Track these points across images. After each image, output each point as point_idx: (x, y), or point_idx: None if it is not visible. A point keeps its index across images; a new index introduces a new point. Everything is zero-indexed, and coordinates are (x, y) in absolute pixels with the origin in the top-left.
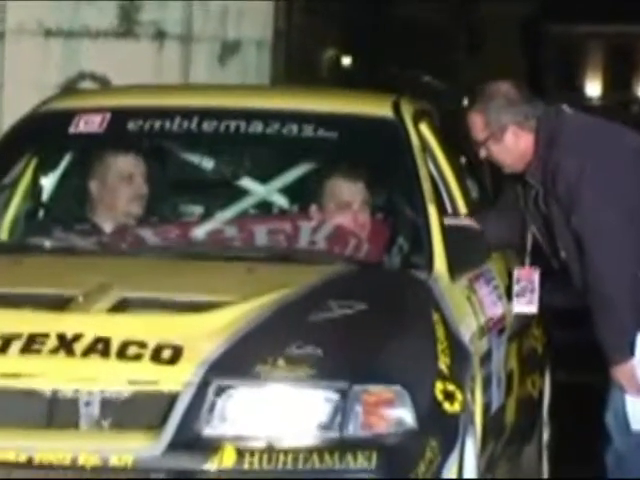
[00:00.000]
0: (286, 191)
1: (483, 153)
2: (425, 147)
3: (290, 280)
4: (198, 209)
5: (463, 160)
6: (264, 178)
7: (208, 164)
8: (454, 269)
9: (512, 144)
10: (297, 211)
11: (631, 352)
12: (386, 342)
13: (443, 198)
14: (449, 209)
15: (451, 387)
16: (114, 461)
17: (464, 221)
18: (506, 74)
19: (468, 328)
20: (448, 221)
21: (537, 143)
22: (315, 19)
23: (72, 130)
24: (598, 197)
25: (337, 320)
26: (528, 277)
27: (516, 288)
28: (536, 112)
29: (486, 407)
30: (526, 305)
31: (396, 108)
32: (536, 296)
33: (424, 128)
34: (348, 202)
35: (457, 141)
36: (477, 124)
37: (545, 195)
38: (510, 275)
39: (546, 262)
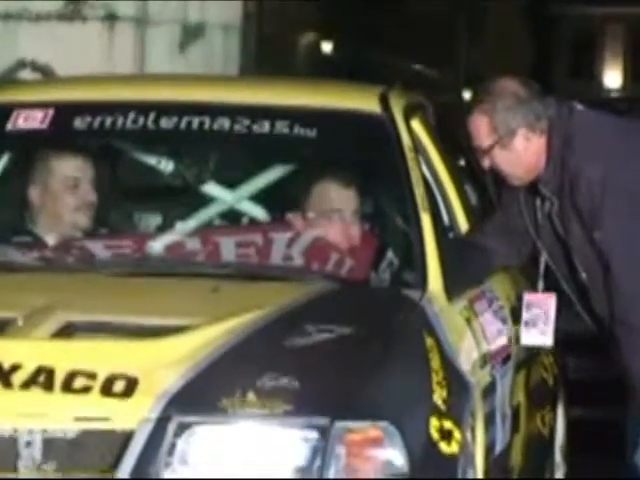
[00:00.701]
0: (257, 198)
1: (487, 163)
2: (418, 147)
3: (262, 301)
4: (155, 219)
5: (462, 162)
6: (232, 183)
7: (167, 167)
8: (451, 288)
9: (522, 150)
10: (270, 221)
11: None
12: (373, 372)
13: (439, 206)
14: (445, 219)
15: (448, 424)
16: None
17: (463, 232)
18: (509, 62)
19: (468, 356)
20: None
21: (550, 147)
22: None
23: (9, 127)
24: (626, 209)
25: (316, 347)
26: (542, 304)
27: (526, 316)
28: (548, 111)
29: (489, 447)
30: (538, 336)
31: (384, 102)
32: (551, 327)
33: (417, 125)
34: (338, 211)
35: (455, 140)
36: (482, 128)
37: (561, 207)
38: (519, 298)
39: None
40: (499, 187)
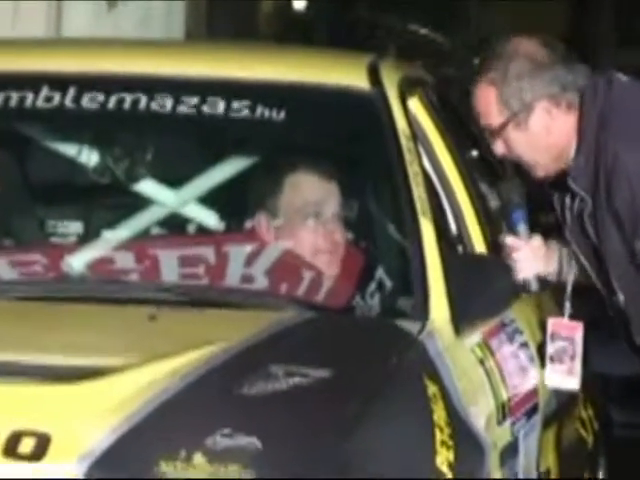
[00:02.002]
0: (208, 200)
1: (500, 148)
2: (417, 134)
3: (213, 334)
4: (75, 227)
5: (475, 153)
6: (175, 180)
7: (90, 159)
8: (460, 318)
9: (542, 129)
10: (224, 230)
11: None
12: (357, 430)
13: (444, 210)
14: (453, 227)
15: None
16: None
17: (476, 246)
18: (537, 25)
19: (482, 408)
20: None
21: (581, 129)
22: None
23: None
24: None
25: (284, 395)
26: (568, 333)
27: (550, 349)
28: (578, 81)
29: None
30: (564, 376)
31: (374, 75)
32: (578, 365)
33: (415, 105)
34: (314, 214)
35: (466, 124)
36: (490, 102)
37: (595, 208)
38: (542, 327)
39: (595, 307)
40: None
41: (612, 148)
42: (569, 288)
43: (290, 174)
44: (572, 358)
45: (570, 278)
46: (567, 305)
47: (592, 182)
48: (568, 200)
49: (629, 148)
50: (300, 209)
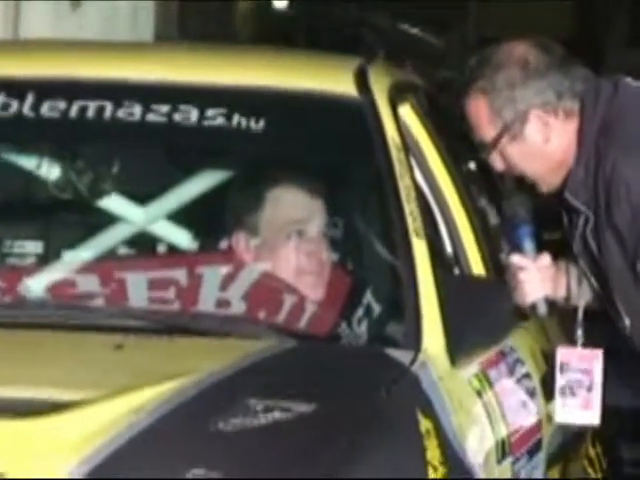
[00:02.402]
0: (180, 217)
1: (499, 164)
2: (409, 144)
3: (185, 364)
4: (34, 246)
5: (473, 166)
6: (144, 196)
7: (50, 172)
8: (456, 347)
9: (540, 140)
10: (198, 250)
11: None
12: (343, 469)
13: (438, 227)
14: (448, 246)
15: None
16: None
17: (474, 268)
18: (541, 26)
19: (480, 444)
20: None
21: (581, 138)
22: None
23: None
24: None
25: (262, 432)
26: (583, 363)
27: (561, 381)
28: (576, 87)
29: None
30: (579, 412)
31: (361, 80)
32: (598, 397)
33: (407, 113)
34: (297, 233)
35: (464, 134)
36: (482, 113)
37: (597, 223)
38: (546, 356)
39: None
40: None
41: (611, 158)
42: (581, 313)
43: (270, 189)
44: (589, 390)
45: (582, 302)
46: (579, 332)
47: (592, 195)
48: (573, 216)
49: (628, 159)
50: (281, 227)
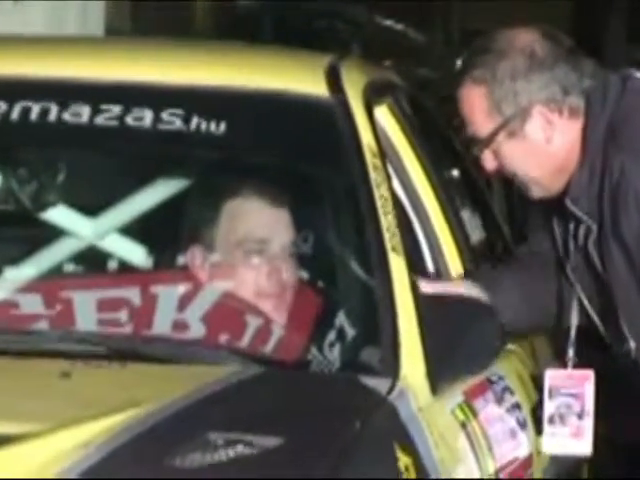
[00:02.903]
0: (132, 230)
1: (490, 162)
2: (385, 150)
3: (138, 394)
4: None
5: (456, 173)
6: (93, 207)
7: None
8: (438, 374)
9: (541, 139)
10: (152, 267)
11: None
12: None
13: (418, 244)
14: (429, 263)
15: None
16: None
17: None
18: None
19: None
20: (427, 286)
21: (586, 140)
22: None
23: None
24: None
25: (223, 467)
26: (573, 387)
27: (550, 408)
28: (584, 82)
29: None
30: (569, 440)
31: (334, 80)
32: (589, 424)
33: (384, 115)
34: (261, 245)
35: (447, 138)
36: (478, 106)
37: (600, 234)
38: (536, 381)
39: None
40: (526, 208)
41: (619, 161)
42: (572, 333)
43: (231, 199)
44: (579, 417)
45: (574, 322)
46: (570, 353)
47: (596, 203)
48: (572, 226)
49: (637, 163)
50: (242, 242)
